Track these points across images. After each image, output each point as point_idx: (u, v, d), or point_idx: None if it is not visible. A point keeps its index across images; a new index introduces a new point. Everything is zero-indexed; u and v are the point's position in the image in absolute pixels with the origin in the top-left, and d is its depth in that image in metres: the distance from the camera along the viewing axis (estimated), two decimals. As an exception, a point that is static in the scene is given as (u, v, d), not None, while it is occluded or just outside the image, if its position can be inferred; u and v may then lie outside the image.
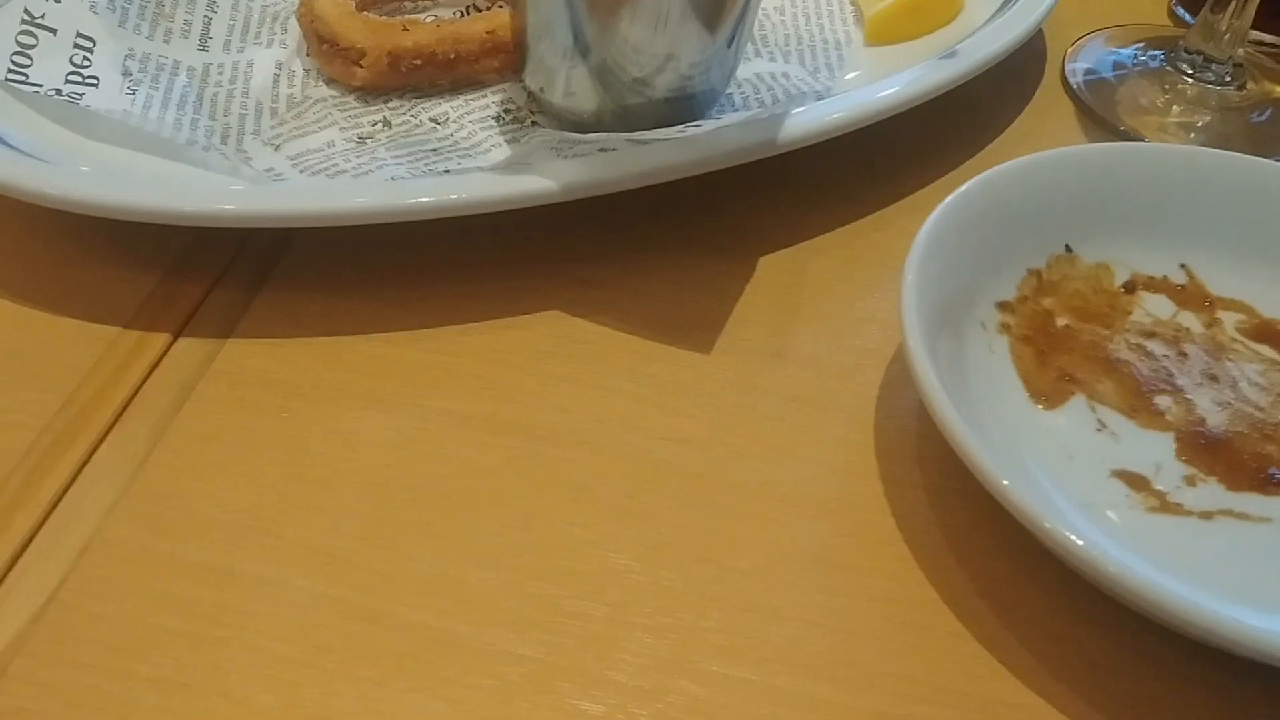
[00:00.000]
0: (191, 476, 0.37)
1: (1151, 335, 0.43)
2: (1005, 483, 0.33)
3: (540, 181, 0.41)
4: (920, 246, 0.40)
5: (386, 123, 0.48)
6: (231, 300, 0.43)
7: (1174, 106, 0.57)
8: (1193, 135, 0.56)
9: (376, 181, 0.44)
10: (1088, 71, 0.59)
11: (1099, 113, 0.56)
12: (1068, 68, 0.59)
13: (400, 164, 0.45)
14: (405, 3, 0.54)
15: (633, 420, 0.40)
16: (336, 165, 0.45)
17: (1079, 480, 0.38)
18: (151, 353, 0.40)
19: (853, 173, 0.50)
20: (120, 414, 0.38)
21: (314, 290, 0.43)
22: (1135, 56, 0.60)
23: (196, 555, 0.35)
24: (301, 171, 0.44)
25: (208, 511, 0.36)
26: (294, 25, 0.50)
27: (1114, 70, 0.59)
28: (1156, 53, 0.59)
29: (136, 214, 0.41)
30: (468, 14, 0.54)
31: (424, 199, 0.41)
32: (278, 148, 0.46)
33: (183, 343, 0.41)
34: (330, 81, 0.50)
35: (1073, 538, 0.32)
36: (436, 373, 0.41)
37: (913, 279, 0.39)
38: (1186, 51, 0.57)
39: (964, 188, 0.42)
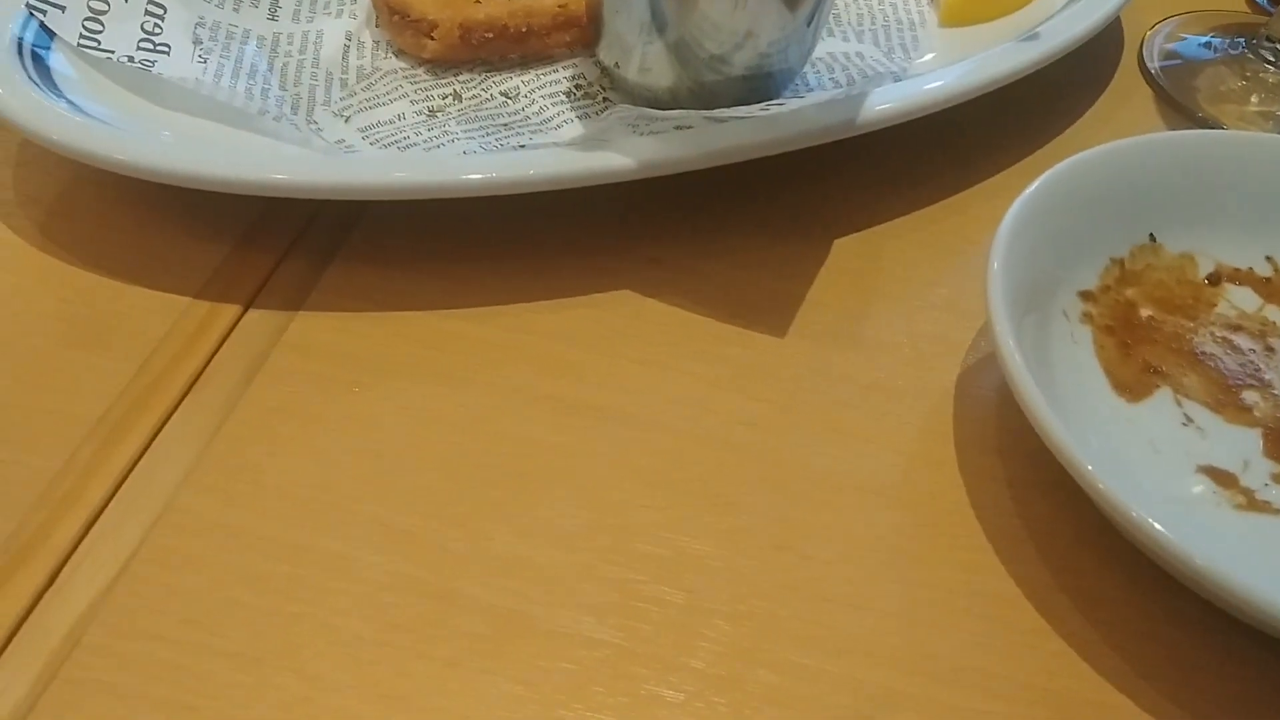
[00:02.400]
0: (263, 449, 0.37)
1: (1237, 329, 0.42)
2: (1091, 469, 0.33)
3: (616, 158, 0.41)
4: (1007, 229, 0.39)
5: (457, 96, 0.47)
6: (302, 272, 0.42)
7: (1254, 95, 0.56)
8: (1272, 124, 0.54)
9: (448, 155, 0.43)
10: (1165, 57, 0.57)
11: (1177, 99, 0.55)
12: (1145, 53, 0.57)
13: (472, 138, 0.44)
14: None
15: (706, 403, 0.39)
16: (407, 138, 0.44)
17: (1164, 475, 0.37)
18: (223, 323, 0.40)
19: (927, 156, 0.49)
20: (193, 384, 0.38)
21: (384, 265, 0.43)
22: (1214, 43, 0.58)
23: (269, 529, 0.34)
24: (372, 144, 0.44)
25: (280, 485, 0.36)
26: (364, -4, 0.50)
27: (1192, 57, 0.58)
28: (1236, 40, 0.58)
29: (210, 183, 0.40)
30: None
31: (498, 174, 0.40)
32: (348, 119, 0.45)
33: (254, 314, 0.41)
34: (400, 53, 0.49)
35: (1161, 530, 0.32)
36: (508, 350, 0.40)
37: (999, 262, 0.38)
38: (1268, 39, 0.56)
39: (1051, 172, 0.41)
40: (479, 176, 0.40)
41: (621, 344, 0.41)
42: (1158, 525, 0.32)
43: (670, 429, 0.38)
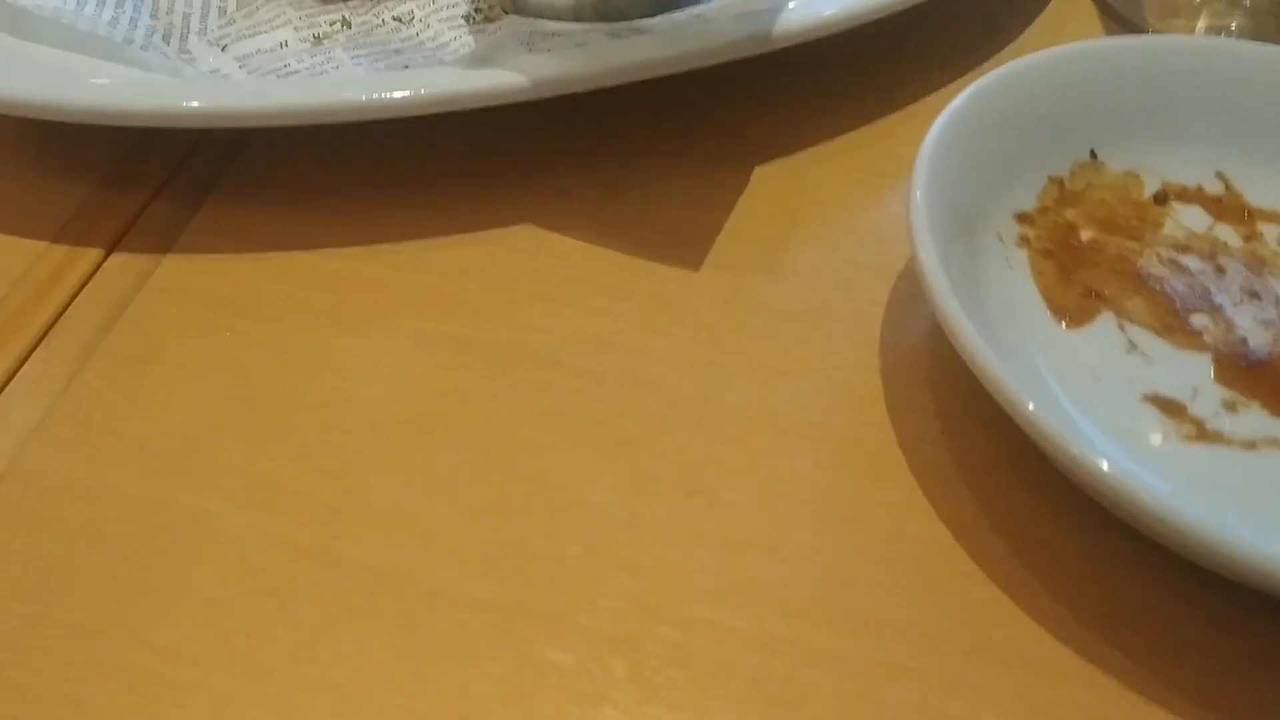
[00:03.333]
0: (122, 400, 0.33)
1: (1186, 249, 0.39)
2: (1029, 405, 0.30)
3: (507, 77, 0.37)
4: (931, 147, 0.36)
5: (346, 23, 0.43)
6: (173, 212, 0.39)
7: (1206, 7, 0.52)
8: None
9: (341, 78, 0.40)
10: (1112, -30, 0.54)
11: (1124, 14, 0.52)
12: (1090, -33, 0.54)
13: (359, 64, 0.41)
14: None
15: (612, 340, 0.36)
16: (289, 66, 0.41)
17: (1107, 405, 0.34)
18: (82, 268, 0.37)
19: (855, 76, 0.46)
20: (44, 334, 0.35)
21: (265, 202, 0.39)
22: (1163, -44, 0.55)
23: (123, 485, 0.31)
24: (249, 73, 0.40)
25: (138, 438, 0.32)
26: (246, -83, 0.46)
27: (1140, -30, 0.54)
28: (1186, -48, 0.54)
29: (70, 113, 0.37)
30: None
31: (379, 95, 0.37)
32: (224, 48, 0.42)
33: (117, 258, 0.37)
34: (286, -22, 0.45)
35: (1103, 464, 0.29)
36: (397, 289, 0.37)
37: (923, 184, 0.35)
38: (1220, -51, 0.53)
39: (979, 83, 0.38)
40: (358, 97, 0.36)
41: (521, 281, 0.37)
42: (1100, 460, 0.29)
43: (571, 368, 0.35)
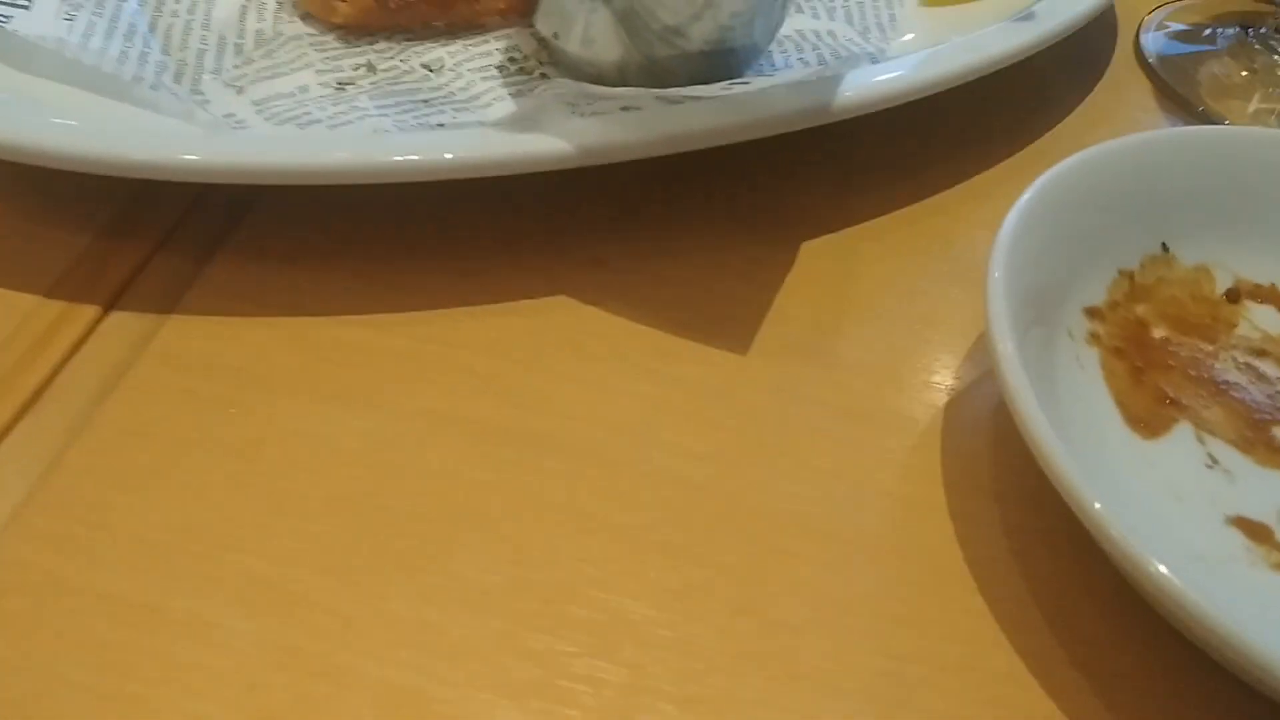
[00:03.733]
0: (113, 483, 0.30)
1: (1262, 354, 0.37)
2: (1109, 517, 0.27)
3: (551, 142, 0.34)
4: (1010, 229, 0.33)
5: (371, 67, 0.41)
6: (177, 269, 0.36)
7: (1260, 89, 0.51)
8: (1277, 120, 0.49)
9: (356, 134, 0.37)
10: (1164, 46, 0.52)
11: (1178, 91, 0.49)
12: (1143, 40, 0.52)
13: (385, 115, 0.38)
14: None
15: (653, 431, 0.33)
16: (309, 114, 0.38)
17: (1189, 528, 0.32)
18: (76, 327, 0.34)
19: (906, 150, 0.44)
20: (31, 402, 0.32)
21: (276, 261, 0.36)
22: (1217, 32, 0.53)
23: (113, 585, 0.28)
24: (267, 119, 0.37)
25: (130, 528, 0.29)
26: (268, -49, 0.43)
27: (1193, 47, 0.52)
28: (1242, 28, 0.52)
29: (68, 161, 0.34)
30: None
31: (413, 157, 0.34)
32: (241, 90, 0.39)
33: (115, 316, 0.34)
34: (307, 17, 0.42)
35: (1192, 594, 0.26)
36: (421, 365, 0.34)
37: (1001, 266, 0.32)
38: (1277, 30, 0.51)
39: (1056, 169, 0.36)
40: (389, 159, 0.33)
41: (555, 359, 0.35)
42: (1187, 588, 0.26)
43: (610, 463, 0.32)
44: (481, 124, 0.36)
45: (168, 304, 0.34)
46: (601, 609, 0.29)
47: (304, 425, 0.32)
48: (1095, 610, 0.30)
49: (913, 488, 0.33)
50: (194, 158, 0.34)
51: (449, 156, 0.34)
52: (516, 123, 0.35)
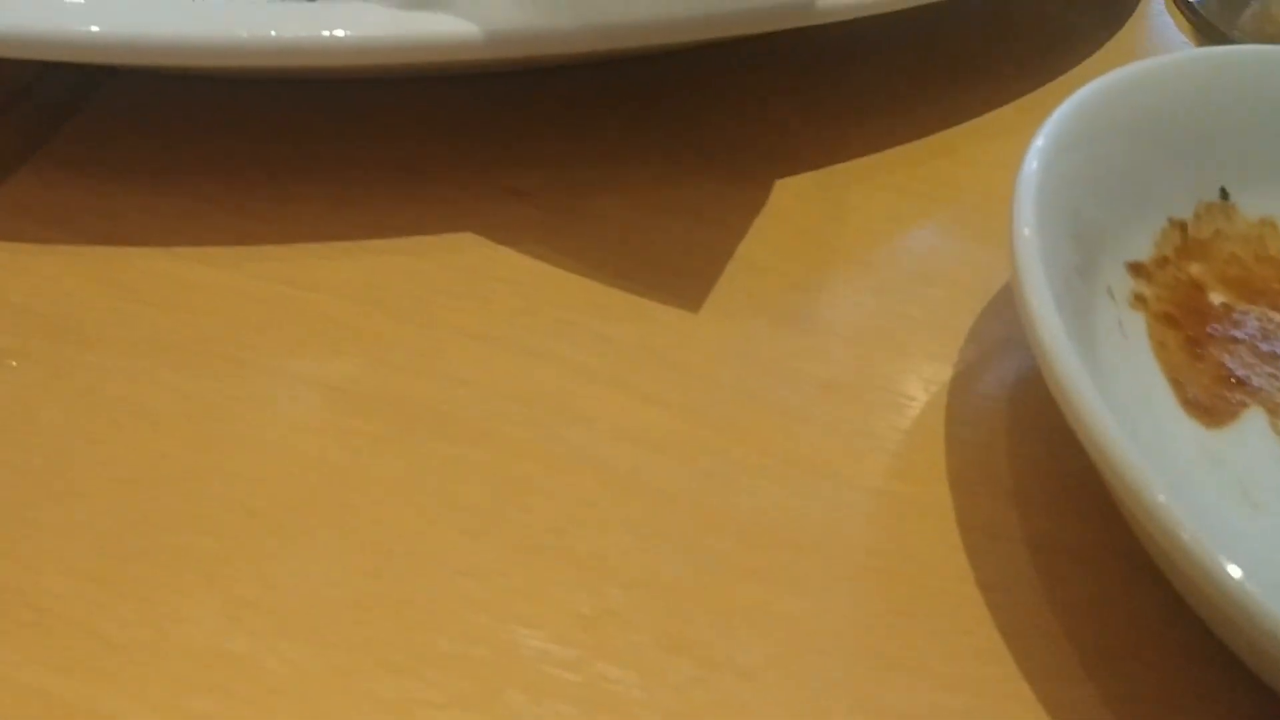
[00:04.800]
0: None
1: (1348, 326, 0.29)
2: (1183, 524, 0.20)
3: (452, 25, 0.27)
4: (1041, 158, 0.26)
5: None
6: (-30, 180, 0.28)
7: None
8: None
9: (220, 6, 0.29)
10: (1204, -15, 0.45)
11: (1222, 32, 0.42)
12: (1179, -22, 0.45)
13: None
14: None
15: (570, 404, 0.25)
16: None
17: (1271, 542, 0.24)
18: None
19: (905, 81, 0.37)
20: None
21: (99, 177, 0.28)
22: (1264, -31, 0.46)
23: None
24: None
25: None
26: None
27: (1236, -14, 0.45)
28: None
29: None
30: None
31: (274, 34, 0.26)
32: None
33: (-128, 239, 0.26)
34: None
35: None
36: (270, 312, 0.26)
37: (1030, 202, 0.25)
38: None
39: (1098, 85, 0.28)
40: (235, 35, 0.25)
41: (451, 310, 0.27)
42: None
43: (511, 444, 0.24)
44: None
45: (-54, 225, 0.27)
46: (483, 640, 0.21)
47: (104, 384, 0.24)
48: (1148, 649, 0.23)
49: (908, 486, 0.25)
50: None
51: (324, 35, 0.26)
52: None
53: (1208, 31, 0.42)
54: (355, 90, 0.27)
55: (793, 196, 0.31)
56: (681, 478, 0.24)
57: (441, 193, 0.30)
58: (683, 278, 0.29)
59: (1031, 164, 0.26)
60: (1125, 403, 0.26)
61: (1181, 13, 0.44)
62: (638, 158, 0.32)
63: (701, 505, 0.24)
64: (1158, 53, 0.42)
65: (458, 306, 0.27)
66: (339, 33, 0.26)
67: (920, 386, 0.27)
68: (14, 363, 0.24)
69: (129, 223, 0.27)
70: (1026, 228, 0.24)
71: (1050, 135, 0.26)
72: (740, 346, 0.27)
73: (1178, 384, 0.27)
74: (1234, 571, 0.19)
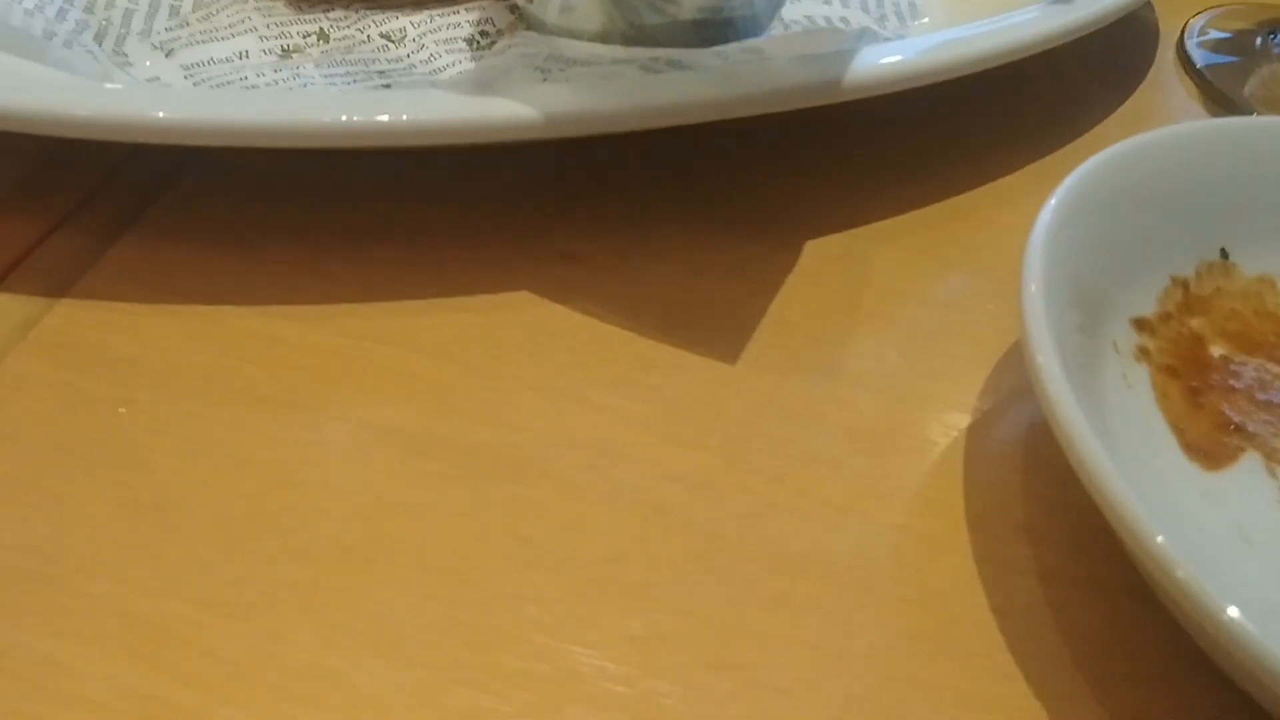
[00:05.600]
0: (-32, 494, 0.25)
1: (1340, 377, 0.31)
2: (1178, 562, 0.22)
3: (513, 108, 0.30)
4: (1049, 222, 0.28)
5: (323, 35, 0.36)
6: (80, 246, 0.31)
7: (1319, 99, 0.45)
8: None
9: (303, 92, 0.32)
10: (1212, 52, 0.47)
11: (1230, 98, 0.44)
12: (1188, 45, 0.47)
13: (333, 83, 0.33)
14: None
15: (621, 449, 0.28)
16: (245, 79, 0.33)
17: (1264, 575, 0.26)
18: (-51, 310, 0.29)
19: (926, 147, 0.39)
20: (-119, 394, 0.27)
21: (196, 242, 0.31)
22: (1270, 38, 0.48)
23: (-50, 616, 0.23)
24: (196, 85, 0.33)
25: (-19, 548, 0.24)
26: (216, -92, 0.39)
27: (1241, 53, 0.48)
28: (1298, 34, 0.48)
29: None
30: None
31: (348, 117, 0.29)
32: (170, 53, 0.34)
33: (-2, 298, 0.29)
34: (257, -19, 0.38)
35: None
36: (350, 365, 0.29)
37: (1038, 264, 0.27)
38: (1337, 34, 0.46)
39: (1099, 158, 0.31)
40: (314, 119, 0.28)
41: (512, 363, 0.30)
42: (1272, 644, 0.21)
43: (567, 485, 0.27)
44: (433, 84, 0.31)
45: (60, 287, 0.29)
46: (545, 658, 0.23)
47: (205, 431, 0.27)
48: (1152, 675, 0.25)
49: (930, 523, 0.27)
50: (84, 109, 0.29)
51: (385, 119, 0.29)
52: (476, 85, 0.30)
53: (1214, 95, 0.45)
54: (421, 161, 0.30)
55: (821, 258, 0.34)
56: (721, 516, 0.27)
57: (501, 256, 0.32)
58: (720, 333, 0.31)
59: (1039, 231, 0.28)
60: (1129, 447, 0.28)
61: (1190, 78, 0.46)
62: (677, 223, 0.34)
63: (740, 541, 0.26)
64: (1168, 117, 0.44)
65: (517, 360, 0.30)
66: (409, 116, 0.29)
67: (940, 432, 0.30)
68: (123, 410, 0.27)
69: (222, 284, 0.30)
70: (1034, 291, 0.27)
71: (1057, 205, 0.29)
72: (774, 396, 0.30)
73: (1179, 430, 0.29)
74: (1229, 609, 0.21)
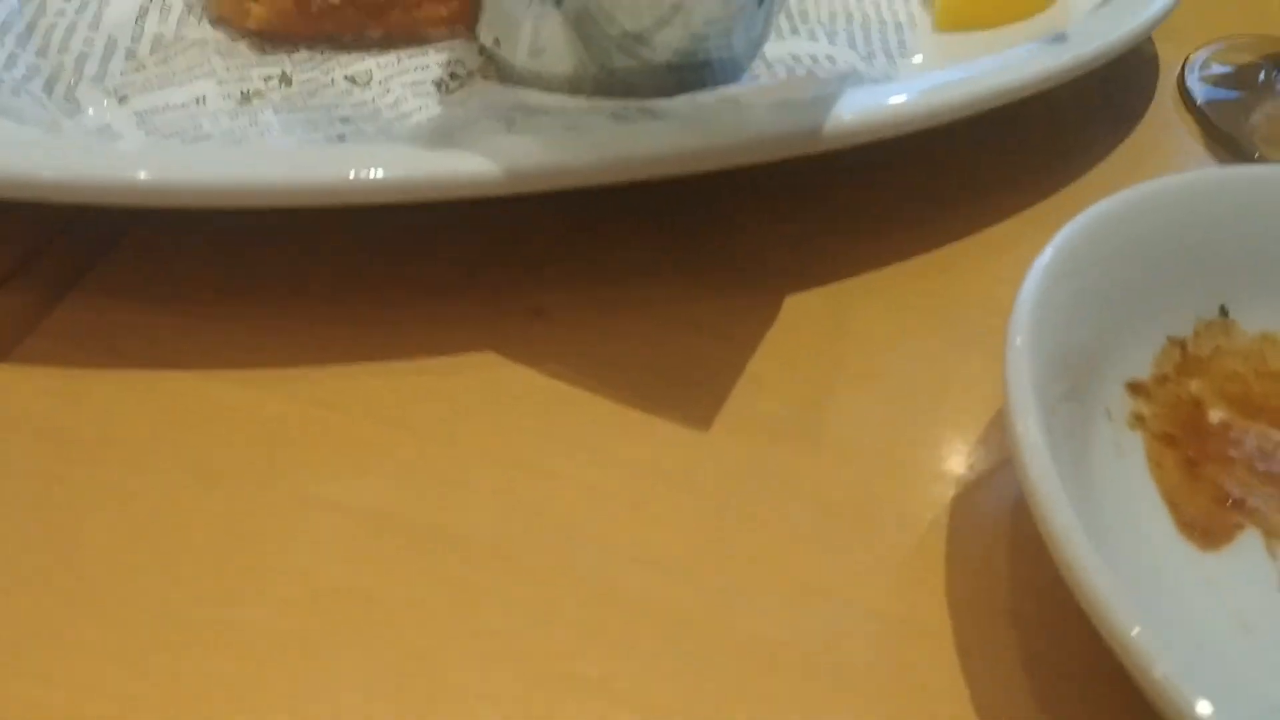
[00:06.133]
0: (-115, 578, 0.24)
1: (1346, 443, 0.30)
2: (1155, 657, 0.21)
3: (475, 162, 0.28)
4: (1035, 286, 0.27)
5: (286, 79, 0.35)
6: (20, 308, 0.29)
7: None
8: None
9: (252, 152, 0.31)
10: (1213, 88, 0.46)
11: (1232, 136, 0.43)
12: (1189, 81, 0.46)
13: (290, 132, 0.32)
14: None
15: (586, 526, 0.26)
16: (200, 128, 0.32)
17: (1259, 667, 0.25)
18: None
19: (913, 193, 0.38)
20: None
21: (144, 301, 0.30)
22: (1272, 72, 0.47)
23: None
24: (148, 133, 0.31)
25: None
26: (180, -57, 0.37)
27: (1245, 88, 0.46)
28: (1300, 68, 0.46)
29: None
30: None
31: (303, 175, 0.27)
32: (124, 99, 0.33)
33: (-70, 365, 0.28)
34: (219, 21, 0.36)
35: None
36: (302, 435, 0.27)
37: (1024, 331, 0.26)
38: (1342, 69, 0.45)
39: (1090, 213, 0.30)
40: (262, 179, 0.27)
41: (473, 431, 0.28)
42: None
43: (530, 569, 0.25)
44: (390, 138, 0.29)
45: (1, 350, 0.28)
46: (495, 765, 0.22)
47: (141, 509, 0.25)
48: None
49: (910, 607, 0.26)
50: (46, 174, 0.28)
51: (351, 175, 0.27)
52: (437, 138, 0.29)
53: (1215, 134, 0.43)
54: (382, 212, 0.29)
55: (801, 312, 0.33)
56: (689, 600, 0.25)
57: (467, 312, 0.31)
58: (694, 395, 0.30)
59: (1028, 291, 0.27)
60: (1119, 525, 0.26)
61: (1191, 115, 0.45)
62: (652, 275, 0.33)
63: (709, 628, 0.25)
64: (1169, 157, 0.43)
65: (479, 427, 0.28)
66: (366, 174, 0.27)
67: (924, 505, 0.28)
68: (56, 487, 0.26)
69: (169, 346, 0.29)
70: (1019, 357, 0.25)
71: (1048, 263, 0.27)
72: (748, 466, 0.28)
73: (1174, 505, 0.28)
74: (1203, 709, 0.20)
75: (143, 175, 0.27)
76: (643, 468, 0.28)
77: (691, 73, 0.32)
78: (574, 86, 0.32)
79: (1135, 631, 0.21)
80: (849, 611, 0.26)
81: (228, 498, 0.26)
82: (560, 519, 0.26)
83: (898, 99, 0.33)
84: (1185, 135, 0.44)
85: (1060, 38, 0.37)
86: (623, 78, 0.32)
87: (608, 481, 0.27)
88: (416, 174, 0.28)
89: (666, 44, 0.31)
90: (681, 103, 0.29)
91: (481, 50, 0.35)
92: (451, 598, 0.25)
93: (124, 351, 0.29)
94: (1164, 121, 0.44)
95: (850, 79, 0.33)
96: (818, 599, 0.26)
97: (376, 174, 0.28)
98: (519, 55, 0.33)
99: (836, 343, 0.32)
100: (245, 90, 0.34)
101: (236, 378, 0.28)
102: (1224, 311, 0.32)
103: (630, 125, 0.30)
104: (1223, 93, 0.46)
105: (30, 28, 0.35)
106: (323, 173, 0.27)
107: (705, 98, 0.29)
